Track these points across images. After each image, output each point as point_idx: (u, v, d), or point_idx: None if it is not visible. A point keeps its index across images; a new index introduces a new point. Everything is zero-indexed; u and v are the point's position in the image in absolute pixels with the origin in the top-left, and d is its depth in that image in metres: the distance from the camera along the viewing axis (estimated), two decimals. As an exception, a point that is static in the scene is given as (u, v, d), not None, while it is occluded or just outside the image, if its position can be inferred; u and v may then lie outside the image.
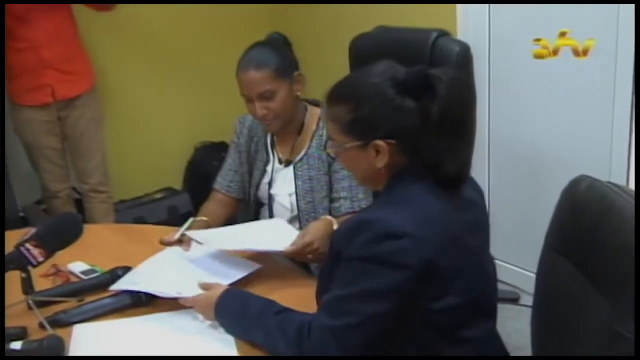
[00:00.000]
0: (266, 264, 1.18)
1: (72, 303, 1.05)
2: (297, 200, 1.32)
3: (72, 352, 0.93)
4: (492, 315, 0.96)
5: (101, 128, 2.15)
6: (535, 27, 1.76)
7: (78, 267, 1.19)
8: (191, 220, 1.29)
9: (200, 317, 1.00)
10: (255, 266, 1.13)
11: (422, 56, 1.44)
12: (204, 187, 1.52)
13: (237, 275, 1.09)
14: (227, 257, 1.17)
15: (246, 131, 1.41)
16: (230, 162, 1.44)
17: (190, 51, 2.52)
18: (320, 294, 0.92)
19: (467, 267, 0.88)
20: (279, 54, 1.28)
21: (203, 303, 0.99)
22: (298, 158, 1.34)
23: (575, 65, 1.71)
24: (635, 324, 0.72)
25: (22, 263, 0.98)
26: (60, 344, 0.91)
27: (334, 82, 0.92)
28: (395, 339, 0.87)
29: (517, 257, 1.98)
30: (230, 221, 1.41)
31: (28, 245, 0.98)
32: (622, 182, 1.61)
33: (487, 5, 1.92)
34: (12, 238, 1.04)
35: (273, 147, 1.38)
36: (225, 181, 1.43)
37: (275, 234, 1.19)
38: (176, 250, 1.21)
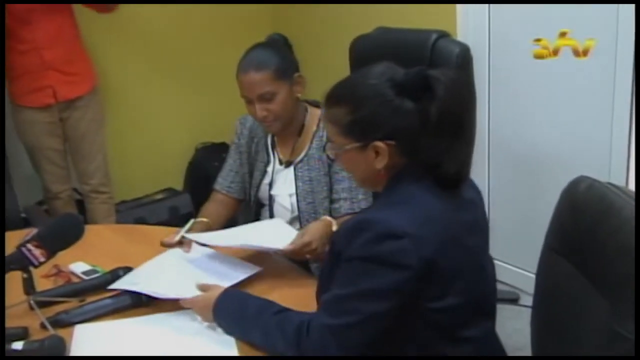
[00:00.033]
0: (266, 264, 1.18)
1: (73, 303, 1.06)
2: (298, 201, 1.33)
3: (73, 352, 0.94)
4: (491, 315, 0.96)
5: (102, 129, 2.15)
6: (534, 27, 1.76)
7: (79, 267, 1.20)
8: (192, 221, 1.29)
9: (199, 318, 1.00)
10: (255, 268, 1.13)
11: (422, 57, 1.45)
12: (205, 187, 1.52)
13: (237, 277, 1.09)
14: (227, 258, 1.17)
15: (247, 132, 1.42)
16: (230, 162, 1.44)
17: (191, 52, 2.53)
18: (320, 294, 0.92)
19: (467, 267, 0.89)
20: (279, 55, 1.28)
21: (201, 304, 0.99)
22: (298, 159, 1.34)
23: (575, 66, 1.72)
24: (635, 324, 0.72)
25: (24, 263, 0.98)
26: (62, 343, 0.91)
27: (334, 83, 0.93)
28: (395, 338, 0.87)
29: (516, 257, 1.98)
30: (231, 221, 1.41)
31: (29, 246, 0.98)
32: (621, 182, 1.61)
33: (487, 5, 1.92)
34: (14, 238, 1.05)
35: (273, 147, 1.39)
36: (225, 181, 1.43)
37: (274, 234, 1.20)
38: (176, 251, 1.21)
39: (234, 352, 0.92)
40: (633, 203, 0.79)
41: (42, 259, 0.99)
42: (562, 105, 1.83)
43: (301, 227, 1.28)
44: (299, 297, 1.01)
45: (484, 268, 0.94)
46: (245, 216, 1.44)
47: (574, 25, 1.66)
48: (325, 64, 1.97)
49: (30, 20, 1.92)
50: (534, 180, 1.93)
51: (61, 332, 0.96)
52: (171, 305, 1.03)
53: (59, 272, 1.17)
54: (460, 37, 1.90)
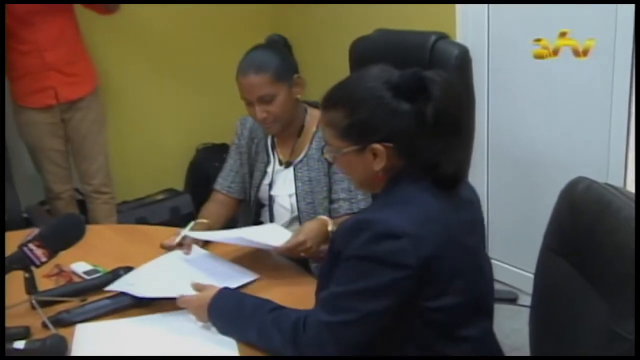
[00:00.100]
0: (266, 263, 1.19)
1: (74, 303, 1.06)
2: (297, 201, 1.33)
3: (75, 351, 0.94)
4: (489, 315, 0.97)
5: (104, 129, 2.16)
6: (533, 28, 1.76)
7: (80, 267, 1.20)
8: (192, 223, 1.30)
9: (193, 317, 1.00)
10: (253, 275, 1.14)
11: (422, 59, 1.46)
12: (205, 187, 1.53)
13: (234, 283, 1.09)
14: (226, 264, 1.18)
15: (247, 132, 1.42)
16: (230, 162, 1.44)
17: (191, 53, 2.54)
18: (319, 293, 0.92)
19: (465, 267, 0.89)
20: (278, 57, 1.29)
21: (196, 303, 0.99)
22: (298, 159, 1.35)
23: (573, 67, 1.72)
24: (635, 325, 0.72)
25: (25, 263, 0.99)
26: (63, 343, 0.92)
27: (331, 86, 0.93)
28: (393, 337, 0.88)
29: (515, 257, 1.98)
30: (231, 222, 1.42)
31: (31, 246, 0.98)
32: (619, 183, 1.62)
33: (486, 5, 1.93)
34: (16, 238, 1.05)
35: (273, 148, 1.39)
36: (226, 182, 1.44)
37: (271, 234, 1.20)
38: (176, 254, 1.22)
39: (235, 352, 0.93)
40: (631, 203, 0.79)
41: (43, 259, 0.99)
42: (561, 106, 1.84)
43: (301, 228, 1.29)
44: (298, 296, 1.02)
45: (482, 267, 0.94)
46: (245, 216, 1.45)
47: (573, 26, 1.66)
48: (325, 64, 1.98)
49: (32, 21, 1.93)
50: (533, 181, 1.94)
51: (62, 332, 0.96)
52: (172, 305, 1.03)
53: (60, 272, 1.18)
54: (459, 38, 1.90)
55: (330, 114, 0.91)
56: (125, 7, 2.11)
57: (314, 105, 1.37)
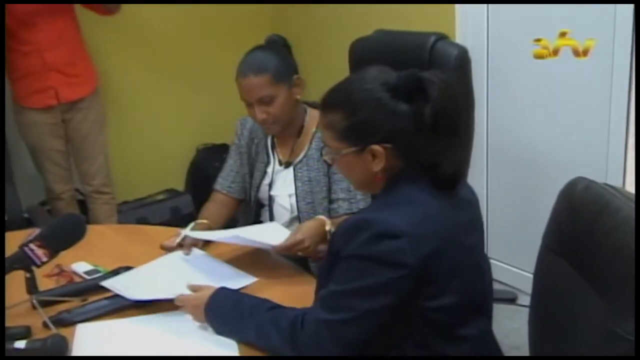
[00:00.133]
0: (266, 264, 1.19)
1: (75, 302, 1.06)
2: (297, 201, 1.34)
3: (75, 351, 0.94)
4: (488, 314, 0.97)
5: (104, 130, 2.16)
6: (533, 28, 1.77)
7: (81, 267, 1.20)
8: (192, 224, 1.30)
9: (189, 317, 0.99)
10: (252, 278, 1.14)
11: (421, 59, 1.46)
12: (206, 188, 1.53)
13: (234, 285, 1.09)
14: (226, 266, 1.18)
15: (247, 132, 1.43)
16: (231, 162, 1.45)
17: (191, 53, 2.54)
18: (318, 292, 0.93)
19: (464, 266, 0.89)
20: (278, 58, 1.29)
21: (193, 303, 0.99)
22: (297, 159, 1.35)
23: (572, 67, 1.72)
24: (635, 325, 0.72)
25: (26, 263, 0.99)
26: (64, 342, 0.92)
27: (329, 88, 0.93)
28: (392, 336, 0.88)
29: (514, 257, 1.99)
30: (231, 222, 1.42)
31: (32, 246, 0.99)
32: (618, 183, 1.62)
33: (485, 5, 1.93)
34: (17, 238, 1.05)
35: (273, 148, 1.40)
36: (226, 181, 1.44)
37: (269, 233, 1.21)
38: (176, 255, 1.22)
39: (235, 352, 0.93)
40: (630, 203, 0.80)
41: (44, 259, 1.00)
42: (560, 107, 1.84)
43: (300, 228, 1.30)
44: (298, 295, 1.02)
45: (481, 267, 0.95)
46: (245, 216, 1.45)
47: (572, 26, 1.66)
48: (325, 65, 1.98)
49: (33, 22, 1.93)
50: (532, 181, 1.94)
51: (63, 331, 0.97)
52: (173, 305, 1.03)
53: (61, 272, 1.18)
54: (459, 39, 1.90)
55: (329, 116, 0.91)
56: (125, 8, 2.12)
57: (313, 105, 1.37)
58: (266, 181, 1.39)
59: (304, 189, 1.33)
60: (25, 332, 0.97)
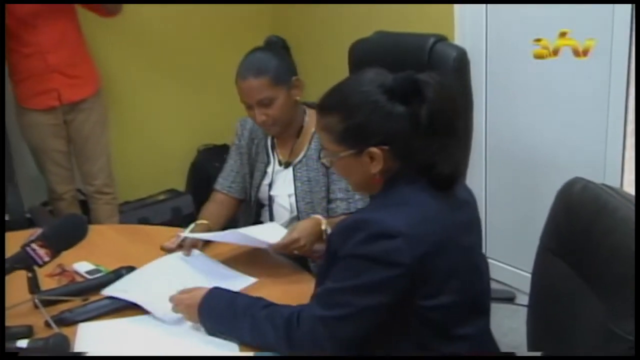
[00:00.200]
0: (265, 263, 1.20)
1: (77, 302, 1.07)
2: (296, 201, 1.34)
3: (77, 350, 0.95)
4: (486, 313, 0.97)
5: (106, 131, 2.17)
6: (531, 28, 1.77)
7: (83, 266, 1.21)
8: (192, 225, 1.31)
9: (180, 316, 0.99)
10: (251, 279, 1.14)
11: (420, 61, 1.47)
12: (206, 188, 1.54)
13: (234, 287, 1.08)
14: (226, 268, 1.19)
15: (247, 133, 1.44)
16: (231, 163, 1.45)
17: (192, 54, 2.55)
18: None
19: (462, 266, 0.90)
20: (277, 60, 1.29)
21: (186, 302, 0.99)
22: (297, 160, 1.36)
23: (570, 68, 1.72)
24: (635, 325, 0.72)
25: (28, 263, 0.99)
26: (66, 342, 0.93)
27: (326, 91, 0.93)
28: (389, 334, 0.88)
29: (512, 257, 1.99)
30: (231, 222, 1.43)
31: (34, 246, 0.99)
32: (615, 184, 1.62)
33: (484, 6, 1.93)
34: (19, 238, 1.06)
35: (273, 148, 1.40)
36: (226, 181, 1.45)
37: (267, 233, 1.21)
38: (176, 255, 1.22)
39: (236, 352, 0.93)
40: (627, 204, 0.80)
41: (46, 259, 1.00)
42: (557, 108, 1.84)
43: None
44: (297, 294, 1.02)
45: (479, 267, 0.95)
46: (246, 216, 1.46)
47: (571, 26, 1.66)
48: (325, 65, 1.99)
49: (34, 24, 1.94)
50: (531, 182, 1.94)
51: (65, 331, 0.97)
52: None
53: (63, 272, 1.19)
54: (457, 40, 1.91)
55: (326, 119, 0.92)
56: (125, 9, 2.13)
57: (312, 106, 1.37)
58: (266, 181, 1.39)
59: (303, 188, 1.34)
60: (27, 332, 0.97)
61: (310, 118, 1.36)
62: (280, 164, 1.38)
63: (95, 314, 1.04)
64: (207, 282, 1.08)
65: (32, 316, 1.01)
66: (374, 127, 0.87)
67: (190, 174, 2.65)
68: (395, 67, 0.92)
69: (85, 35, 2.11)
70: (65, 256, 1.06)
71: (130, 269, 1.16)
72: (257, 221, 1.42)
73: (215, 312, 0.96)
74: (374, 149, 0.88)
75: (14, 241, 1.06)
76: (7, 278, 0.98)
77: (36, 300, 1.02)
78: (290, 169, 1.36)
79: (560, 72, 1.78)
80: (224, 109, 2.11)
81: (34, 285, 1.01)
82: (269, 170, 1.39)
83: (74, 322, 1.02)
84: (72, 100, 2.05)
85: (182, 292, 1.02)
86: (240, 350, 0.93)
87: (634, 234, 0.75)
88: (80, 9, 2.07)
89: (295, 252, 1.16)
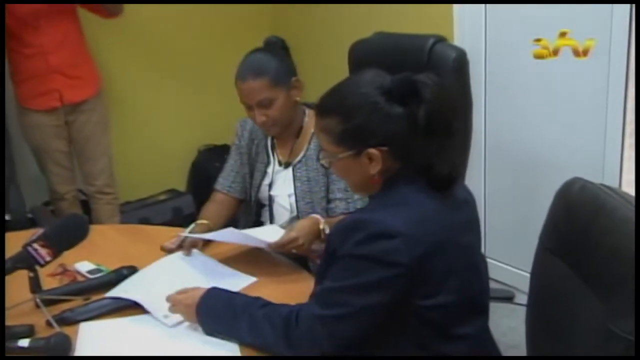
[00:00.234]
0: (265, 263, 1.20)
1: (78, 301, 1.07)
2: (296, 201, 1.35)
3: (78, 349, 0.95)
4: (484, 312, 0.98)
5: (107, 131, 2.18)
6: (530, 29, 1.77)
7: (84, 266, 1.21)
8: (192, 225, 1.31)
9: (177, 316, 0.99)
10: (251, 279, 1.15)
11: (420, 62, 1.48)
12: (207, 188, 1.54)
13: (234, 287, 1.09)
14: (226, 268, 1.19)
15: (247, 133, 1.44)
16: (231, 163, 1.46)
17: (192, 54, 2.55)
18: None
19: (461, 266, 0.90)
20: (276, 61, 1.30)
21: (185, 302, 0.99)
22: (296, 160, 1.36)
23: (570, 68, 1.73)
24: (635, 325, 0.73)
25: (30, 262, 1.00)
26: (67, 341, 0.93)
27: (324, 92, 0.94)
28: (387, 334, 0.89)
29: (511, 256, 1.99)
30: (231, 222, 1.43)
31: (36, 245, 1.00)
32: (614, 184, 1.62)
33: (483, 6, 1.94)
34: (20, 238, 1.06)
35: (273, 149, 1.41)
36: (226, 181, 1.45)
37: (267, 233, 1.22)
38: (176, 256, 1.23)
39: (236, 352, 0.93)
40: (626, 204, 0.80)
41: (48, 258, 1.01)
42: (556, 108, 1.84)
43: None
44: (297, 293, 1.02)
45: (478, 266, 0.96)
46: (246, 216, 1.46)
47: (570, 26, 1.67)
48: (324, 66, 1.99)
49: (36, 25, 1.94)
50: (529, 182, 1.95)
51: (66, 330, 0.98)
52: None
53: (64, 271, 1.19)
54: (457, 40, 1.91)
55: (325, 120, 0.92)
56: (128, 11, 2.13)
57: (312, 107, 1.37)
58: (266, 181, 1.40)
59: (303, 188, 1.34)
60: (28, 331, 0.98)
61: (310, 118, 1.36)
62: (280, 164, 1.39)
63: (97, 314, 1.05)
64: (207, 282, 1.09)
65: (34, 316, 1.02)
66: (373, 129, 0.88)
67: (190, 174, 2.66)
68: (395, 68, 0.92)
69: (86, 37, 2.12)
70: (66, 256, 1.06)
71: (131, 268, 1.16)
72: (257, 221, 1.42)
73: (213, 312, 0.96)
74: (372, 150, 0.88)
75: (16, 241, 1.06)
76: (9, 278, 0.98)
77: (37, 300, 1.02)
78: (290, 169, 1.36)
79: (560, 72, 1.78)
80: (224, 109, 2.11)
81: (35, 285, 1.02)
82: (269, 170, 1.39)
83: (75, 322, 1.02)
84: (74, 101, 2.06)
85: (180, 292, 1.02)
86: (241, 350, 0.93)
87: (632, 234, 0.76)
88: (81, 10, 2.07)
89: (294, 251, 1.17)
